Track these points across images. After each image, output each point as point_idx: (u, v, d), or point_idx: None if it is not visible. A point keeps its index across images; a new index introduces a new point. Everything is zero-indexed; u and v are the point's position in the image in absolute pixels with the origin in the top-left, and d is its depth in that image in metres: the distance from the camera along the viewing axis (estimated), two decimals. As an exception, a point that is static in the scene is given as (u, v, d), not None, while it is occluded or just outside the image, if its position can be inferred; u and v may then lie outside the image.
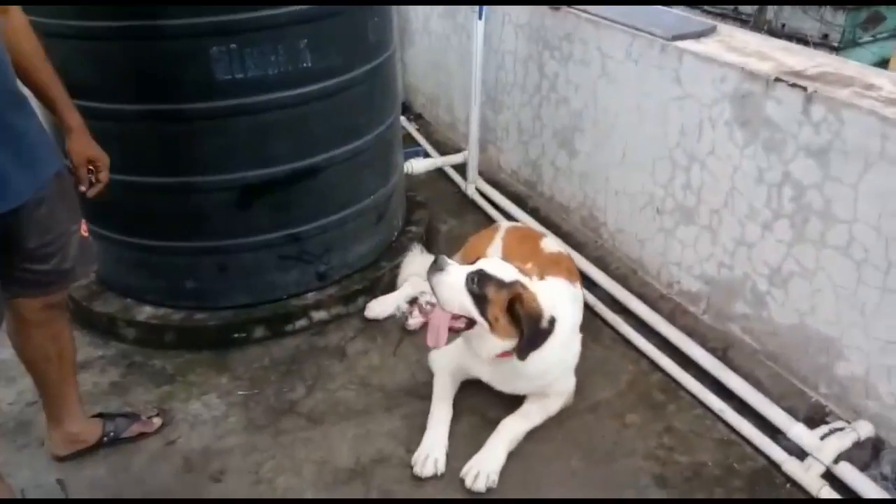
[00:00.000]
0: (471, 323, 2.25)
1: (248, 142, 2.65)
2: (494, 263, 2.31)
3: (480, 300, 2.19)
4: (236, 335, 2.92)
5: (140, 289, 2.99)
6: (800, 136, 2.29)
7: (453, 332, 2.29)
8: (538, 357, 2.27)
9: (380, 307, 3.07)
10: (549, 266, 2.76)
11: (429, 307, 2.29)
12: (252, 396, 2.67)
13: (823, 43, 9.30)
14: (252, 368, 2.81)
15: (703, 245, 2.80)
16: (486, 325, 2.22)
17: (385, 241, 3.33)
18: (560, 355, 2.40)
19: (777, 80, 2.32)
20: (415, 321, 2.94)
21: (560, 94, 3.46)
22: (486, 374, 2.47)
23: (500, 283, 2.22)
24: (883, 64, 8.60)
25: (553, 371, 2.42)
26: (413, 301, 3.08)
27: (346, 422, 2.53)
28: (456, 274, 2.21)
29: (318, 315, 3.02)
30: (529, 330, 2.20)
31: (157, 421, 2.53)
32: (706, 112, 2.63)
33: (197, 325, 2.92)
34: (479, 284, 2.20)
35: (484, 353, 2.32)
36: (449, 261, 2.26)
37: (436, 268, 2.22)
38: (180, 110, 2.55)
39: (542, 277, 2.68)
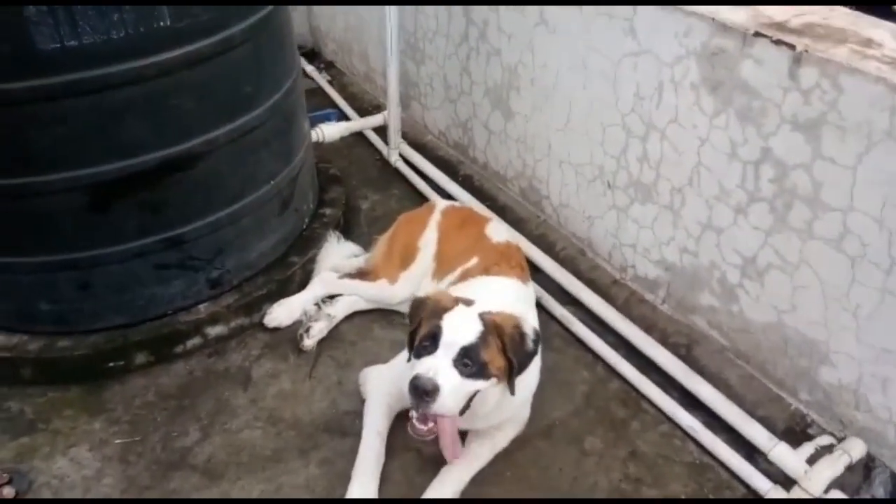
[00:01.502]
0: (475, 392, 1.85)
1: (94, 128, 2.05)
2: (458, 319, 1.84)
3: (482, 371, 1.80)
4: (112, 364, 2.38)
5: (-18, 314, 2.40)
6: (784, 106, 1.88)
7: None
8: (521, 384, 1.92)
9: (283, 312, 2.57)
10: (497, 260, 2.34)
11: (426, 426, 1.80)
12: (132, 446, 2.17)
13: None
14: (133, 407, 2.30)
15: (662, 227, 2.42)
16: (495, 381, 1.84)
17: (293, 231, 2.80)
18: (533, 378, 2.05)
19: (757, 34, 1.89)
20: (311, 342, 2.46)
21: (491, 45, 2.94)
22: None
23: (483, 338, 1.80)
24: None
25: (526, 395, 2.06)
26: (321, 304, 2.58)
27: (251, 475, 2.07)
28: (448, 379, 1.74)
29: (214, 331, 2.51)
30: (520, 357, 1.84)
31: (7, 491, 2.02)
32: (667, 72, 2.19)
33: (60, 356, 2.35)
34: (472, 359, 1.78)
35: (489, 406, 1.92)
36: (427, 376, 1.71)
37: (427, 398, 1.70)
38: (-1, 92, 1.92)
39: (487, 273, 2.26)
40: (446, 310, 1.87)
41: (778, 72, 1.87)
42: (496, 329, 1.82)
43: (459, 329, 1.79)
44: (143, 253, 2.31)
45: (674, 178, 2.30)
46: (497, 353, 1.81)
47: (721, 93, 2.04)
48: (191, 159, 2.25)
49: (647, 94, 2.29)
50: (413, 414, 1.80)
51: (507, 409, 2.00)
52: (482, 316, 1.84)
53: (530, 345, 1.87)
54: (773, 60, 1.87)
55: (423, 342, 1.82)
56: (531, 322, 2.01)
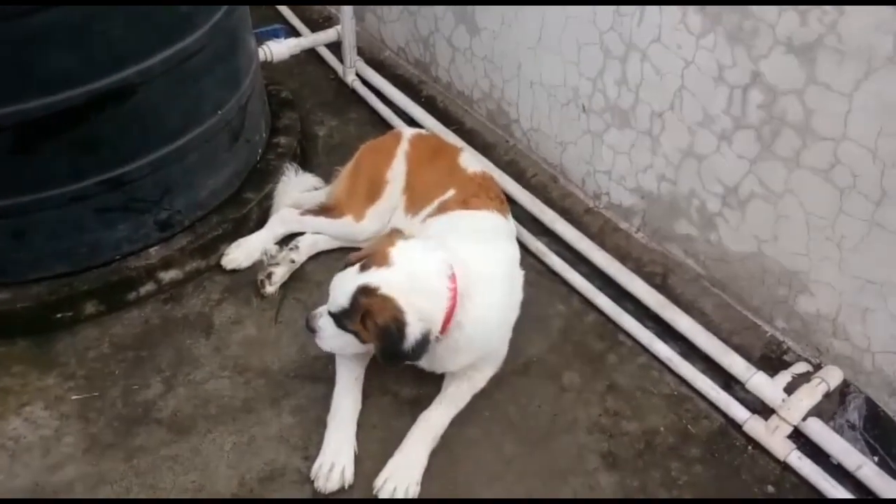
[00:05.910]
0: None
1: (9, 61, 1.79)
2: (338, 282, 1.83)
3: (357, 334, 1.82)
4: (59, 315, 2.21)
5: None
6: (779, 26, 1.75)
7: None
8: (477, 326, 1.86)
9: (242, 253, 2.41)
10: (476, 192, 2.23)
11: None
12: (90, 402, 2.05)
13: None
14: (87, 360, 2.16)
15: (640, 153, 2.31)
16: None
17: (246, 164, 2.60)
18: (502, 315, 1.97)
19: (753, -55, 1.73)
20: (272, 288, 2.33)
21: (453, -49, 2.69)
22: None
23: (348, 313, 1.77)
24: None
25: (496, 334, 1.99)
26: (283, 242, 2.44)
27: (222, 426, 1.99)
28: (325, 326, 1.87)
29: (168, 275, 2.34)
30: (388, 351, 1.77)
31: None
32: (650, -15, 2.02)
33: (1, 309, 2.17)
34: (339, 322, 1.83)
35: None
36: (314, 314, 1.90)
37: (311, 332, 1.93)
38: None
39: (466, 205, 2.15)
40: (347, 264, 1.85)
41: (773, -12, 1.73)
42: (367, 313, 1.72)
43: (334, 291, 1.82)
44: (81, 197, 2.10)
45: (654, 102, 2.17)
46: (366, 330, 1.75)
47: (710, 11, 1.89)
48: (124, 92, 2.01)
49: (627, 11, 2.12)
50: None
51: (482, 349, 1.95)
52: (360, 290, 1.72)
53: (408, 345, 1.70)
54: (769, -25, 1.72)
55: None
56: (503, 263, 2.02)
